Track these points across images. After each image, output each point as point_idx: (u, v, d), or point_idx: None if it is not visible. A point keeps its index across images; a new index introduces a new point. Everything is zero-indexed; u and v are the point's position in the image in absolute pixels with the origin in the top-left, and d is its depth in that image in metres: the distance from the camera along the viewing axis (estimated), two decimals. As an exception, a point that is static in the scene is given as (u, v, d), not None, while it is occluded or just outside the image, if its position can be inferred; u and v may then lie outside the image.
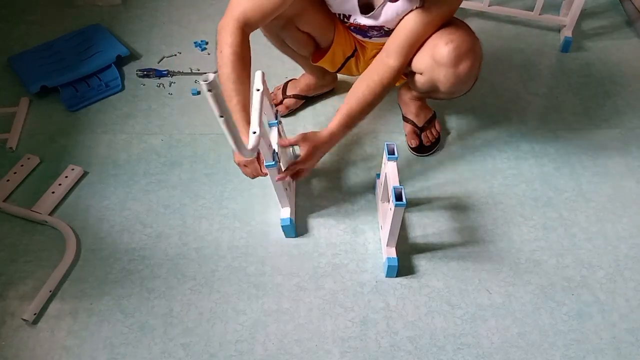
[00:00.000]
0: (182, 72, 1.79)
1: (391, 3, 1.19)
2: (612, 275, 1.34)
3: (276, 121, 1.30)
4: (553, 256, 1.37)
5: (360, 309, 1.28)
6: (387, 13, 1.24)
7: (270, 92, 1.69)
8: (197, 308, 1.27)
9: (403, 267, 1.34)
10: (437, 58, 1.22)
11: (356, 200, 1.48)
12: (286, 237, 1.39)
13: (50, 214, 1.42)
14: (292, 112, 1.67)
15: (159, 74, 1.78)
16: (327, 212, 1.45)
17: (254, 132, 1.06)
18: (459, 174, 1.54)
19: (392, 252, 1.31)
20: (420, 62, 1.27)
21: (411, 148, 1.58)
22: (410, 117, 1.59)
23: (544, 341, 1.24)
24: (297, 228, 1.40)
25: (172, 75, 1.78)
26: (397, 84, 1.49)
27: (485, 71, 1.32)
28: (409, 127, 1.59)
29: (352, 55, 1.46)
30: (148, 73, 1.78)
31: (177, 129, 1.63)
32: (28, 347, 1.21)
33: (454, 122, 1.66)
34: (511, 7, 1.93)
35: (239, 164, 1.27)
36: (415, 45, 1.25)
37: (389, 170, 1.24)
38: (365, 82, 1.26)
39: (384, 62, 1.26)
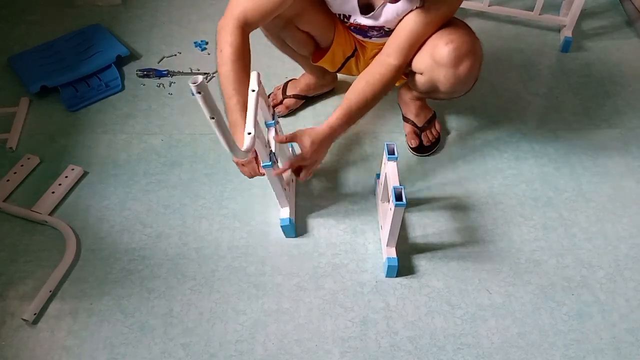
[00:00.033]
0: (182, 72, 1.79)
1: (390, 3, 1.19)
2: (612, 275, 1.34)
3: (273, 121, 1.30)
4: (553, 256, 1.37)
5: (360, 309, 1.28)
6: (387, 13, 1.24)
7: (271, 92, 1.69)
8: (197, 308, 1.27)
9: (403, 267, 1.34)
10: (437, 58, 1.22)
11: (356, 200, 1.48)
12: (286, 237, 1.39)
13: (50, 214, 1.42)
14: (292, 112, 1.67)
15: (159, 74, 1.78)
16: (327, 212, 1.45)
17: (249, 133, 1.06)
18: (459, 174, 1.54)
19: (392, 252, 1.31)
20: (421, 62, 1.27)
21: (411, 148, 1.58)
22: (410, 117, 1.59)
23: (544, 341, 1.24)
24: (297, 228, 1.40)
25: (172, 75, 1.78)
26: (397, 84, 1.49)
27: (485, 71, 1.32)
28: (409, 127, 1.59)
29: (352, 55, 1.46)
30: (148, 73, 1.78)
31: (177, 129, 1.63)
32: (28, 347, 1.21)
33: (454, 122, 1.66)
34: (511, 7, 1.93)
35: (237, 164, 1.27)
36: (416, 45, 1.25)
37: (389, 170, 1.24)
38: (365, 80, 1.26)
39: (385, 61, 1.26)
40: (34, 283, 1.30)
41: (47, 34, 1.86)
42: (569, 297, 1.31)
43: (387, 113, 1.66)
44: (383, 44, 1.39)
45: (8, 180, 1.48)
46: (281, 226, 1.36)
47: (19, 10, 1.98)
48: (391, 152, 1.26)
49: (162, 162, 1.55)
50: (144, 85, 1.75)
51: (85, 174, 1.52)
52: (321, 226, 1.42)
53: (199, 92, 0.87)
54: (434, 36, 1.23)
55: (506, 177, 1.53)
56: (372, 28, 1.31)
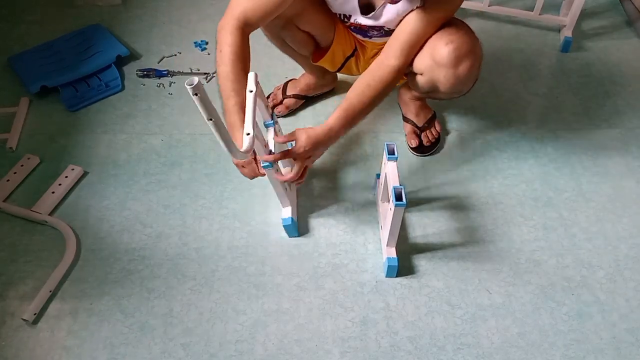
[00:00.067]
0: (182, 72, 1.79)
1: (391, 4, 1.19)
2: (612, 275, 1.34)
3: (272, 122, 1.30)
4: (553, 256, 1.37)
5: (360, 309, 1.28)
6: (387, 13, 1.24)
7: (270, 92, 1.69)
8: (197, 308, 1.27)
9: (403, 267, 1.34)
10: (437, 59, 1.22)
11: (356, 200, 1.48)
12: (289, 236, 1.39)
13: (50, 214, 1.42)
14: (292, 112, 1.67)
15: (159, 74, 1.78)
16: (327, 212, 1.45)
17: (248, 134, 1.06)
18: (459, 174, 1.54)
19: (392, 252, 1.31)
20: (421, 62, 1.26)
21: (411, 148, 1.58)
22: (410, 117, 1.59)
23: (544, 341, 1.24)
24: (298, 227, 1.40)
25: (172, 75, 1.78)
26: (397, 84, 1.49)
27: (485, 71, 1.32)
28: (409, 127, 1.59)
29: (352, 55, 1.46)
30: (148, 73, 1.78)
31: (177, 129, 1.63)
32: (28, 347, 1.21)
33: (454, 122, 1.66)
34: (511, 7, 1.93)
35: (237, 165, 1.26)
36: (417, 45, 1.24)
37: (389, 170, 1.24)
38: (366, 81, 1.24)
39: (386, 62, 1.25)
40: (34, 283, 1.30)
41: (47, 34, 1.86)
42: (569, 297, 1.31)
43: (387, 113, 1.66)
44: (383, 44, 1.39)
45: (8, 180, 1.48)
46: (283, 226, 1.36)
47: (19, 10, 1.98)
48: (391, 152, 1.26)
49: (162, 162, 1.55)
50: (144, 85, 1.75)
51: (85, 174, 1.52)
52: (321, 226, 1.42)
53: (196, 94, 0.87)
54: (434, 36, 1.23)
55: (506, 177, 1.53)
56: (372, 28, 1.31)
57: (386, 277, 1.33)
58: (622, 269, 1.36)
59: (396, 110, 1.65)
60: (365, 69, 1.48)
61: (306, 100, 1.68)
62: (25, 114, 1.65)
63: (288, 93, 1.66)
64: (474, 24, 1.32)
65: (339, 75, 1.68)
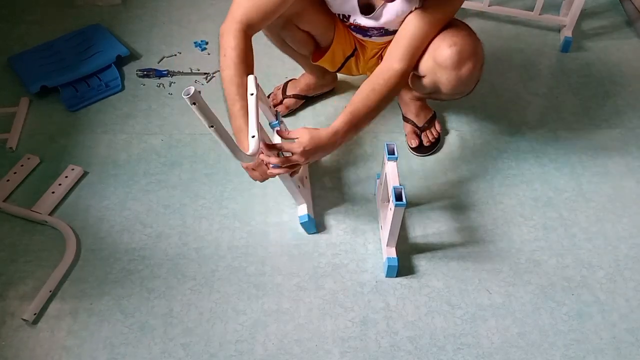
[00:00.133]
0: (182, 72, 1.79)
1: (390, 3, 1.19)
2: (612, 275, 1.34)
3: (277, 122, 1.30)
4: (553, 256, 1.37)
5: (360, 309, 1.28)
6: (387, 14, 1.24)
7: (271, 92, 1.69)
8: (197, 308, 1.27)
9: (403, 267, 1.34)
10: (439, 60, 1.22)
11: (356, 200, 1.48)
12: (308, 233, 1.39)
13: (50, 214, 1.42)
14: (292, 112, 1.67)
15: (159, 74, 1.78)
16: (327, 212, 1.45)
17: (253, 137, 1.06)
18: (459, 174, 1.54)
19: (392, 252, 1.31)
20: (423, 64, 1.26)
21: (411, 148, 1.58)
22: (411, 117, 1.59)
23: (544, 341, 1.24)
24: (297, 228, 1.40)
25: (172, 75, 1.78)
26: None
27: (485, 71, 1.32)
28: (409, 127, 1.59)
29: (352, 55, 1.46)
30: (148, 73, 1.78)
31: (177, 129, 1.63)
32: (28, 347, 1.21)
33: (454, 122, 1.66)
34: (511, 7, 1.93)
35: (246, 169, 1.25)
36: (420, 47, 1.23)
37: (389, 170, 1.24)
38: (371, 85, 1.21)
39: (390, 66, 1.22)
40: (34, 283, 1.30)
41: (47, 34, 1.86)
42: (569, 297, 1.31)
43: (387, 113, 1.66)
44: (383, 44, 1.39)
45: (8, 180, 1.48)
46: (301, 223, 1.37)
47: (19, 10, 1.98)
48: (391, 152, 1.26)
49: (162, 162, 1.55)
50: (144, 85, 1.75)
51: (85, 174, 1.52)
52: (321, 226, 1.42)
53: (193, 104, 0.87)
54: (436, 39, 1.22)
55: (506, 177, 1.53)
56: (372, 28, 1.31)
57: (386, 277, 1.33)
58: (622, 269, 1.36)
59: (396, 110, 1.65)
60: (365, 69, 1.49)
61: (306, 100, 1.68)
62: (25, 114, 1.65)
63: (288, 93, 1.66)
64: (474, 24, 1.32)
65: (339, 75, 1.68)
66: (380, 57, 1.43)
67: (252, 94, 1.13)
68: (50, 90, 1.68)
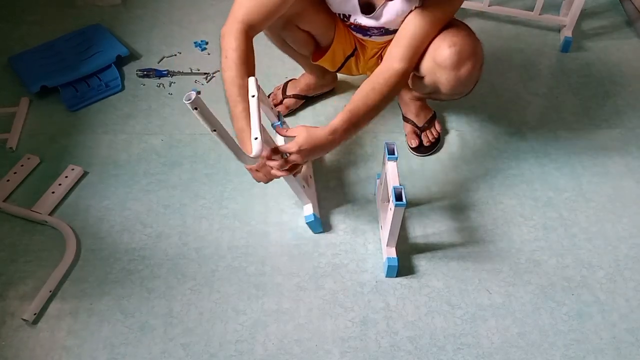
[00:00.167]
0: (182, 72, 1.79)
1: (390, 2, 1.19)
2: (612, 275, 1.34)
3: (279, 122, 1.30)
4: (553, 256, 1.37)
5: (360, 309, 1.28)
6: (387, 14, 1.24)
7: (271, 92, 1.69)
8: (197, 308, 1.27)
9: (403, 267, 1.34)
10: (439, 60, 1.22)
11: (356, 200, 1.48)
12: (314, 232, 1.39)
13: (50, 214, 1.42)
14: (292, 112, 1.67)
15: (159, 74, 1.78)
16: (327, 212, 1.45)
17: (255, 138, 1.06)
18: (459, 174, 1.54)
19: (392, 252, 1.31)
20: (422, 64, 1.26)
21: (411, 148, 1.58)
22: (410, 117, 1.59)
23: (544, 341, 1.24)
24: (297, 228, 1.40)
25: (172, 75, 1.78)
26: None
27: (485, 71, 1.32)
28: (409, 127, 1.59)
29: (352, 55, 1.46)
30: (148, 73, 1.78)
31: (177, 129, 1.64)
32: (28, 347, 1.21)
33: (454, 122, 1.66)
34: (511, 7, 1.93)
35: (250, 170, 1.24)
36: (420, 48, 1.23)
37: (389, 170, 1.24)
38: (371, 85, 1.21)
39: (390, 65, 1.22)
40: (34, 283, 1.30)
41: (48, 34, 1.86)
42: (569, 297, 1.31)
43: (387, 113, 1.66)
44: (383, 43, 1.39)
45: (8, 181, 1.48)
46: (307, 223, 1.37)
47: (19, 11, 1.98)
48: (391, 152, 1.26)
49: (162, 162, 1.55)
50: (144, 85, 1.76)
51: (85, 174, 1.52)
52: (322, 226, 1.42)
53: (195, 108, 0.87)
54: (436, 39, 1.22)
55: (506, 177, 1.53)
56: (372, 27, 1.31)
57: (386, 277, 1.33)
58: (622, 269, 1.36)
59: (396, 110, 1.65)
60: (365, 69, 1.49)
61: (306, 100, 1.68)
62: (25, 114, 1.65)
63: (288, 93, 1.66)
64: (474, 24, 1.33)
65: (339, 75, 1.68)
66: (380, 57, 1.43)
67: (253, 96, 1.12)
68: (50, 90, 1.68)
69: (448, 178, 1.53)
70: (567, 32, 1.86)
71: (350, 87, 1.73)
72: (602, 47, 1.90)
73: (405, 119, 1.60)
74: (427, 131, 1.58)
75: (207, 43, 1.88)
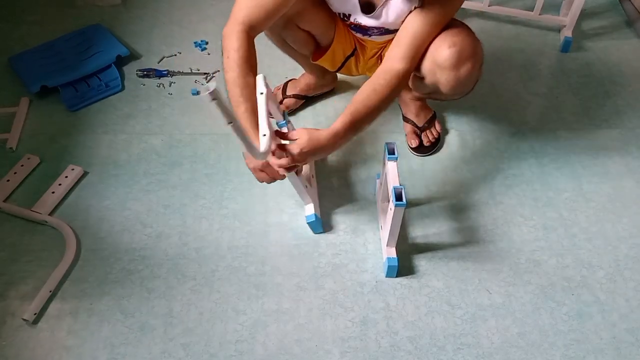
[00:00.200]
0: (182, 72, 1.79)
1: (390, 1, 1.19)
2: (612, 275, 1.34)
3: (284, 121, 1.30)
4: (553, 256, 1.38)
5: (360, 309, 1.28)
6: (387, 13, 1.24)
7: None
8: (197, 308, 1.27)
9: (403, 267, 1.34)
10: (438, 61, 1.22)
11: (356, 200, 1.48)
12: (314, 233, 1.39)
13: (51, 214, 1.42)
14: (292, 112, 1.67)
15: (159, 74, 1.78)
16: (327, 212, 1.45)
17: (264, 135, 1.06)
18: (459, 174, 1.54)
19: (392, 252, 1.31)
20: (422, 64, 1.26)
21: (411, 148, 1.58)
22: (410, 117, 1.59)
23: (544, 341, 1.24)
24: (298, 228, 1.40)
25: (172, 75, 1.78)
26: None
27: (485, 71, 1.32)
28: (409, 127, 1.59)
29: (352, 54, 1.46)
30: (148, 73, 1.78)
31: (177, 129, 1.64)
32: (29, 347, 1.21)
33: (454, 122, 1.66)
34: (511, 7, 1.93)
35: (253, 170, 1.23)
36: (421, 48, 1.22)
37: (389, 170, 1.24)
38: (372, 86, 1.20)
39: (391, 66, 1.21)
40: (34, 283, 1.30)
41: (48, 34, 1.86)
42: (569, 297, 1.31)
43: (387, 113, 1.66)
44: (383, 43, 1.39)
45: (8, 181, 1.48)
46: (307, 223, 1.37)
47: (19, 11, 1.98)
48: (391, 152, 1.26)
49: (163, 162, 1.55)
50: (144, 85, 1.76)
51: (85, 174, 1.52)
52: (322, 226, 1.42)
53: (214, 99, 0.87)
54: (436, 39, 1.22)
55: (506, 177, 1.53)
56: (372, 27, 1.31)
57: (386, 277, 1.33)
58: (622, 269, 1.36)
59: (396, 111, 1.65)
60: (365, 69, 1.50)
61: (306, 100, 1.68)
62: (25, 114, 1.65)
63: (288, 93, 1.66)
64: (474, 24, 1.33)
65: (339, 76, 1.68)
66: (380, 57, 1.43)
67: (261, 93, 1.12)
68: (50, 90, 1.68)
69: (448, 178, 1.53)
70: (567, 32, 1.86)
71: (350, 87, 1.73)
72: (602, 47, 1.90)
73: (405, 119, 1.61)
74: (427, 131, 1.58)
75: (207, 43, 1.88)
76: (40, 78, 1.68)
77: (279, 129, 1.22)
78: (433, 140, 1.58)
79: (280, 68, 1.77)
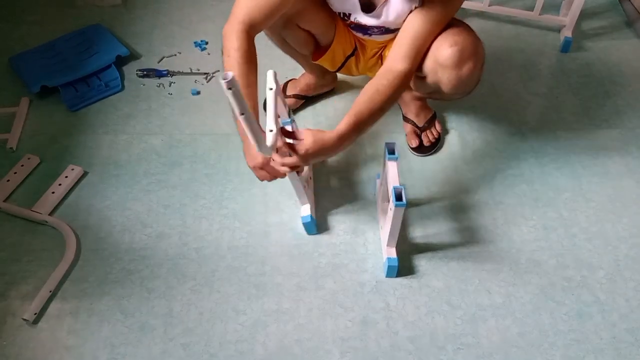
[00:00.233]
0: (182, 72, 1.79)
1: (390, 0, 1.19)
2: (612, 275, 1.34)
3: (290, 120, 1.29)
4: (553, 256, 1.38)
5: (360, 309, 1.28)
6: (388, 12, 1.24)
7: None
8: (197, 308, 1.27)
9: (403, 267, 1.34)
10: (440, 60, 1.22)
11: (356, 200, 1.48)
12: (308, 234, 1.39)
13: (51, 214, 1.42)
14: (292, 112, 1.67)
15: (159, 74, 1.78)
16: (327, 212, 1.45)
17: (271, 130, 1.05)
18: (459, 174, 1.54)
19: (392, 252, 1.31)
20: (424, 64, 1.26)
21: (411, 148, 1.58)
22: (411, 117, 1.59)
23: (544, 341, 1.24)
24: (297, 228, 1.40)
25: (172, 75, 1.78)
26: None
27: (485, 71, 1.32)
28: (409, 127, 1.59)
29: (352, 54, 1.46)
30: (148, 73, 1.78)
31: (177, 129, 1.64)
32: (29, 347, 1.21)
33: (454, 122, 1.66)
34: (511, 7, 1.94)
35: (253, 168, 1.23)
36: (423, 48, 1.22)
37: (389, 170, 1.24)
38: (375, 87, 1.19)
39: (393, 66, 1.21)
40: (35, 283, 1.30)
41: (48, 34, 1.86)
42: (569, 297, 1.31)
43: (387, 113, 1.65)
44: (383, 43, 1.39)
45: (8, 181, 1.48)
46: (303, 223, 1.37)
47: (19, 11, 1.98)
48: (391, 152, 1.26)
49: (163, 162, 1.55)
50: (144, 85, 1.76)
51: (85, 174, 1.52)
52: (321, 226, 1.42)
53: (230, 88, 0.87)
54: (437, 38, 1.22)
55: (506, 177, 1.53)
56: (372, 26, 1.31)
57: (386, 277, 1.33)
58: (622, 269, 1.36)
59: (396, 111, 1.65)
60: (365, 69, 1.50)
61: (306, 100, 1.68)
62: (25, 114, 1.65)
63: (288, 93, 1.66)
64: (474, 24, 1.32)
65: (339, 76, 1.69)
66: (380, 57, 1.43)
67: (270, 89, 1.12)
68: (50, 90, 1.69)
69: (448, 178, 1.53)
70: (567, 32, 1.86)
71: (350, 87, 1.73)
72: (602, 47, 1.90)
73: (406, 119, 1.61)
74: (428, 131, 1.58)
75: (207, 43, 1.88)
76: (40, 78, 1.68)
77: (284, 127, 1.21)
78: (433, 141, 1.58)
79: (280, 68, 1.75)
